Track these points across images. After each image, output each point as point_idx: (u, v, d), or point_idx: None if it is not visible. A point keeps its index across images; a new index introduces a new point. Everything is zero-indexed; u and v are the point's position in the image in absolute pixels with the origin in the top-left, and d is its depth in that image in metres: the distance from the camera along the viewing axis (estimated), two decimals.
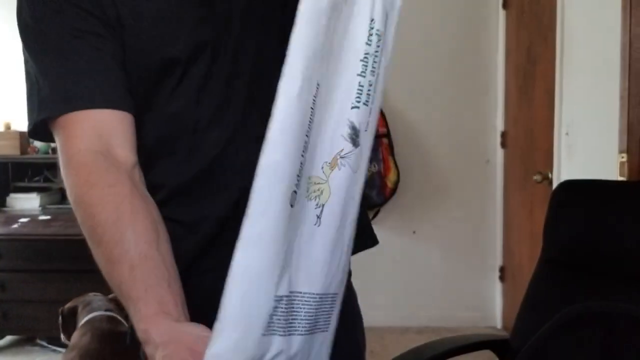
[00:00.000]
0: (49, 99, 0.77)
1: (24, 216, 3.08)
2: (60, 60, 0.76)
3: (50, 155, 3.31)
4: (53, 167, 3.31)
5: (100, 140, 0.75)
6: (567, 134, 2.45)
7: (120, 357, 1.87)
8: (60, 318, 2.06)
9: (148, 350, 0.65)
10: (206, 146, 0.76)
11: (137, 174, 0.78)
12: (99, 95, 0.76)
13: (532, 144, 2.95)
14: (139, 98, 0.80)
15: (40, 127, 0.80)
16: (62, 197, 3.44)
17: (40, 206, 3.26)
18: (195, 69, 0.79)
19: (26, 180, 3.36)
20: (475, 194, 3.50)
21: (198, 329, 0.65)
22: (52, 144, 3.29)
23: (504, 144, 3.40)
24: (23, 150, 3.32)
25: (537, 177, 2.66)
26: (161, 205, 0.81)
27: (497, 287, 3.51)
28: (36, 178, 3.36)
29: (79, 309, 2.04)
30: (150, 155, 0.82)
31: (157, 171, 0.83)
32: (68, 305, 2.08)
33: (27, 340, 3.14)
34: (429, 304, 3.51)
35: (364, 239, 0.97)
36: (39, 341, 3.11)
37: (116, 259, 0.70)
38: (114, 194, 0.72)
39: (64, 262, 2.87)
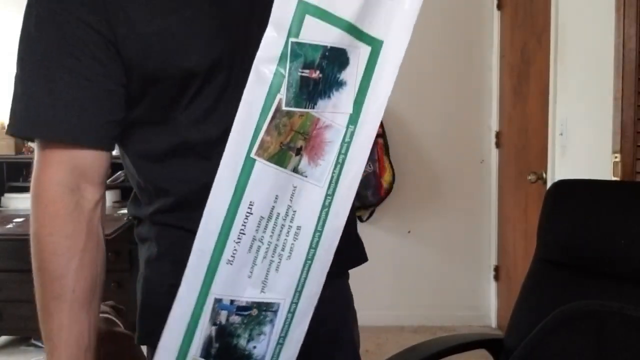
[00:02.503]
0: (39, 116, 0.76)
1: (19, 216, 3.06)
2: (52, 81, 0.75)
3: None
4: None
5: (72, 174, 0.77)
6: (561, 134, 2.45)
7: (117, 357, 1.85)
8: None
9: None
10: (217, 158, 0.76)
11: (99, 213, 0.81)
12: (81, 132, 0.76)
13: (526, 144, 2.95)
14: (154, 109, 0.81)
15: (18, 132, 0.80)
16: None
17: None
18: (212, 84, 0.80)
19: (21, 180, 3.34)
20: (470, 194, 3.50)
21: None
22: None
23: (498, 144, 3.41)
24: (18, 150, 3.31)
25: (532, 177, 2.66)
26: (165, 211, 0.85)
27: (492, 287, 3.51)
28: (31, 178, 3.32)
29: None
30: (161, 161, 0.84)
31: (166, 177, 0.84)
32: None
33: (22, 340, 3.13)
34: (424, 303, 3.51)
35: (356, 254, 1.01)
36: (34, 341, 3.10)
37: (51, 310, 0.76)
38: (67, 247, 0.76)
39: None
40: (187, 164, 0.83)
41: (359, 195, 3.16)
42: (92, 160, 0.79)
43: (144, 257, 0.91)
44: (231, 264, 0.71)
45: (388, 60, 0.76)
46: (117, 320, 1.99)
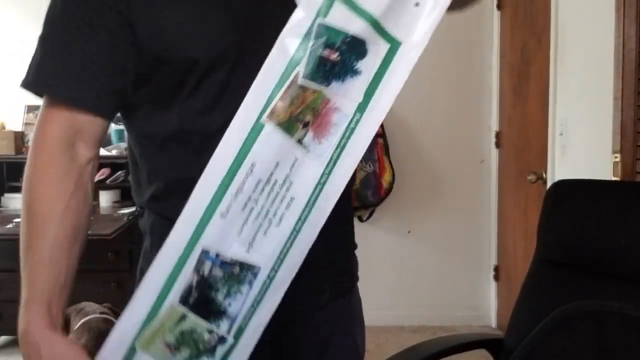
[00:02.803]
0: (49, 75, 0.82)
1: (19, 216, 3.06)
2: (66, 47, 0.81)
3: None
4: None
5: (70, 131, 0.82)
6: (561, 134, 2.45)
7: None
8: None
9: (23, 346, 0.75)
10: (213, 150, 0.78)
11: (89, 170, 0.85)
12: (84, 96, 0.82)
13: (526, 144, 2.95)
14: (159, 93, 0.86)
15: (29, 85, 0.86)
16: None
17: None
18: (216, 75, 0.83)
19: (21, 180, 3.31)
20: (470, 194, 3.50)
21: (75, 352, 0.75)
22: None
23: (498, 144, 3.41)
24: (17, 150, 3.31)
25: (532, 177, 2.66)
26: (158, 199, 0.90)
27: (492, 286, 3.51)
28: None
29: (72, 316, 2.02)
30: (159, 144, 0.88)
31: (162, 160, 0.89)
32: None
33: None
34: (424, 303, 3.51)
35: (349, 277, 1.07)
36: None
37: (33, 249, 0.80)
38: (56, 192, 0.81)
39: None
40: (184, 152, 0.86)
41: (359, 195, 3.16)
42: (90, 123, 0.84)
43: (142, 249, 0.96)
44: (224, 218, 0.75)
45: (403, 61, 0.80)
46: (115, 321, 1.99)
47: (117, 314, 1.97)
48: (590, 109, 2.21)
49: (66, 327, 2.00)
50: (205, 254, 0.75)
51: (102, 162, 3.26)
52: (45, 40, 0.83)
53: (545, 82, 2.57)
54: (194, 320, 0.76)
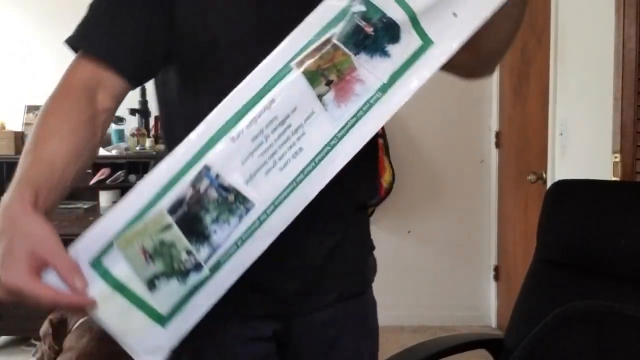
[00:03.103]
0: (87, 34, 0.89)
1: None
2: (110, 14, 0.89)
3: None
4: None
5: (93, 80, 0.86)
6: (561, 134, 2.45)
7: (119, 357, 1.85)
8: (50, 329, 2.01)
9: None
10: None
11: (103, 118, 0.87)
12: (116, 55, 0.88)
13: (526, 144, 2.95)
14: (185, 71, 0.93)
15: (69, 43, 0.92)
16: None
17: None
18: (235, 64, 0.86)
19: None
20: (470, 194, 3.50)
21: (48, 232, 0.70)
22: None
23: (498, 144, 3.41)
24: (18, 150, 3.31)
25: (531, 177, 2.66)
26: None
27: (492, 287, 3.51)
28: None
29: (68, 315, 2.02)
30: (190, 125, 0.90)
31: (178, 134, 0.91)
32: (51, 317, 2.03)
33: (22, 340, 3.13)
34: (424, 303, 3.51)
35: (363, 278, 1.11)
36: (33, 341, 3.08)
37: (34, 150, 0.79)
38: (68, 112, 0.83)
39: None
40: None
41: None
42: (112, 79, 0.88)
43: None
44: (234, 142, 0.77)
45: (430, 61, 0.85)
46: None
47: None
48: (590, 109, 2.21)
49: (63, 327, 2.00)
50: (206, 170, 0.76)
51: (102, 162, 3.26)
52: (90, 7, 0.91)
53: (545, 82, 2.57)
54: (177, 233, 0.75)
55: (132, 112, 3.34)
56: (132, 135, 3.37)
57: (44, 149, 0.78)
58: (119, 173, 3.26)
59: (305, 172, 0.79)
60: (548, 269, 1.49)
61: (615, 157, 1.90)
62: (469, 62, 0.99)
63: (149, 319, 0.75)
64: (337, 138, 0.81)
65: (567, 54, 2.41)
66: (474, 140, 3.47)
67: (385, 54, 0.82)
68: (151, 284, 0.74)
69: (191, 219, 0.75)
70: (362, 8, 0.81)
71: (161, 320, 0.76)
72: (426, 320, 3.46)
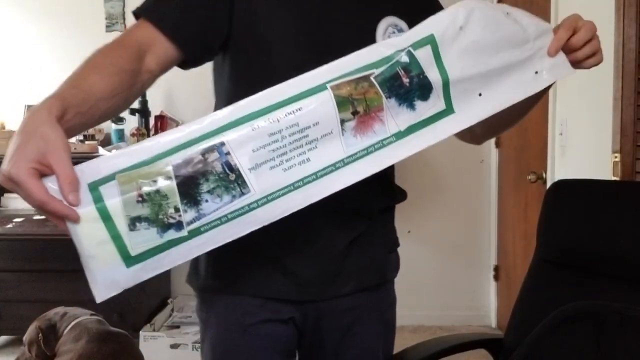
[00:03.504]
0: (151, 7, 0.98)
1: (19, 216, 3.06)
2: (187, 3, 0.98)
3: None
4: None
5: (146, 43, 0.94)
6: (560, 133, 2.45)
7: (120, 355, 1.85)
8: (40, 335, 1.96)
9: (22, 124, 0.76)
10: None
11: (145, 77, 0.94)
12: (173, 26, 0.96)
13: (526, 143, 2.94)
14: (239, 61, 1.03)
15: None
16: None
17: None
18: (288, 56, 0.99)
19: None
20: (470, 194, 3.50)
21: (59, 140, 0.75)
22: None
23: (498, 144, 3.41)
24: None
25: (531, 177, 2.66)
26: None
27: (492, 286, 3.51)
28: None
29: (57, 320, 1.99)
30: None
31: None
32: (38, 324, 1.99)
33: (21, 340, 3.10)
34: (424, 303, 3.51)
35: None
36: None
37: (74, 77, 0.85)
38: (116, 60, 0.89)
39: (59, 262, 2.84)
40: None
41: None
42: (165, 49, 0.96)
43: None
44: (253, 130, 0.84)
45: (448, 125, 0.93)
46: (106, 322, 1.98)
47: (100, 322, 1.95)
48: (590, 109, 2.20)
49: (53, 332, 1.97)
50: (220, 145, 0.82)
51: None
52: None
53: None
54: (173, 188, 0.80)
55: (132, 111, 3.34)
56: (132, 135, 3.37)
57: (84, 79, 0.84)
58: None
59: (304, 181, 0.86)
60: (548, 268, 1.49)
61: (615, 157, 1.90)
62: (475, 132, 1.09)
63: (118, 254, 0.80)
64: (343, 163, 0.88)
65: None
66: None
67: (412, 106, 0.91)
68: (132, 225, 0.80)
69: (190, 181, 0.81)
70: (407, 60, 0.90)
71: (128, 260, 0.81)
72: (426, 320, 3.46)
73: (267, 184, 0.84)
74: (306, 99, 0.85)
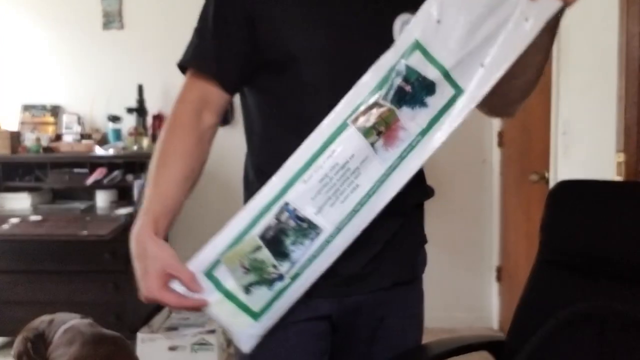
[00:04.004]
0: (194, 55, 1.12)
1: (15, 216, 3.05)
2: (216, 35, 1.10)
3: (41, 155, 3.29)
4: (44, 166, 3.28)
5: (201, 101, 1.09)
6: (564, 133, 2.44)
7: (115, 357, 1.83)
8: (29, 344, 1.95)
9: (133, 244, 0.99)
10: (305, 133, 1.02)
11: (210, 133, 1.11)
12: (220, 73, 1.09)
13: (528, 143, 2.94)
14: (267, 80, 1.11)
15: (181, 67, 1.14)
16: (53, 197, 3.41)
17: (31, 206, 3.23)
18: (310, 69, 1.07)
19: (17, 179, 3.31)
20: (472, 194, 3.50)
21: (170, 253, 0.99)
22: (41, 145, 3.29)
23: (500, 144, 3.40)
24: (13, 150, 3.30)
25: (534, 177, 2.65)
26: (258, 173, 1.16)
27: (494, 288, 3.50)
28: (27, 178, 3.31)
29: (44, 327, 1.97)
30: (265, 119, 1.15)
31: (262, 138, 1.17)
32: (25, 334, 1.98)
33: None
34: (425, 304, 3.48)
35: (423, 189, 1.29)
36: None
37: (154, 180, 1.04)
38: (182, 139, 1.07)
39: (55, 263, 2.85)
40: (283, 130, 1.12)
41: None
42: (217, 95, 1.11)
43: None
44: (305, 184, 0.99)
45: (463, 104, 1.01)
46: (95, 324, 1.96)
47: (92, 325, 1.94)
48: (593, 108, 2.19)
49: (41, 340, 1.95)
50: (286, 205, 0.99)
51: (99, 162, 3.25)
52: (196, 32, 1.12)
53: (548, 81, 2.55)
54: (266, 253, 0.99)
55: (130, 111, 3.32)
56: (130, 134, 3.35)
57: (160, 181, 1.04)
58: (115, 173, 3.24)
59: (361, 203, 1.01)
60: (551, 270, 1.48)
61: (619, 157, 1.89)
62: (496, 104, 1.15)
63: (247, 316, 1.01)
64: (385, 175, 1.01)
65: (570, 52, 2.40)
66: (476, 140, 3.46)
67: (424, 104, 1.01)
68: (247, 290, 1.00)
69: (276, 242, 0.99)
70: (403, 71, 1.00)
71: (255, 316, 1.02)
72: (427, 321, 3.39)
73: (334, 218, 1.00)
74: (336, 141, 0.99)
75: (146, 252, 0.97)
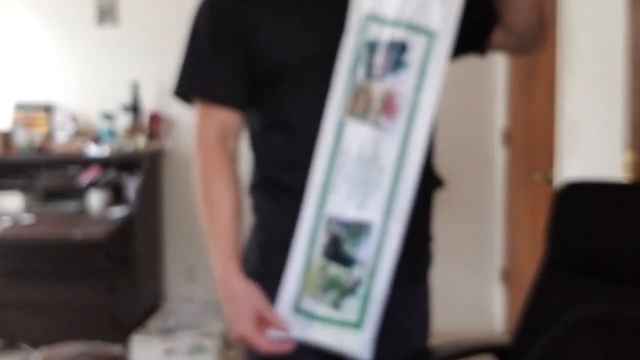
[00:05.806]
0: (199, 84, 1.15)
1: (7, 215, 3.07)
2: (217, 58, 1.12)
3: (34, 154, 3.28)
4: (36, 166, 3.27)
5: (222, 131, 1.14)
6: (569, 131, 2.42)
7: None
8: None
9: (221, 291, 1.10)
10: (302, 138, 1.10)
11: (235, 160, 1.17)
12: (229, 97, 1.13)
13: (534, 142, 2.92)
14: (264, 92, 1.14)
15: (181, 94, 1.18)
16: (46, 197, 3.37)
17: (24, 206, 3.22)
18: (302, 78, 1.10)
19: (10, 178, 3.28)
20: (477, 193, 3.48)
21: (255, 291, 1.09)
22: (34, 145, 3.28)
23: (505, 142, 3.38)
24: (6, 150, 3.29)
25: (539, 176, 2.64)
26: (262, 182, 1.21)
27: (499, 290, 3.48)
28: (20, 177, 3.29)
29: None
30: (262, 132, 1.18)
31: (262, 149, 1.20)
32: None
33: (10, 344, 3.09)
34: None
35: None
36: (22, 345, 3.06)
37: (215, 222, 1.12)
38: (223, 180, 1.13)
39: (47, 264, 2.86)
40: (282, 138, 1.15)
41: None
42: (233, 119, 1.15)
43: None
44: (335, 192, 1.04)
45: (440, 46, 1.04)
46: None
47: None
48: (600, 105, 2.18)
49: None
50: (329, 218, 1.05)
51: (93, 162, 3.25)
52: (190, 55, 1.15)
53: (553, 78, 2.54)
54: (334, 267, 1.05)
55: (125, 109, 3.30)
56: (125, 133, 3.33)
57: (223, 221, 1.12)
58: (109, 172, 3.22)
59: (397, 180, 1.05)
60: (557, 272, 1.48)
61: (628, 154, 1.86)
62: (508, 41, 1.16)
63: (349, 329, 1.06)
64: (403, 144, 1.05)
65: (575, 48, 2.38)
66: (480, 139, 3.45)
67: (403, 64, 1.03)
68: (336, 306, 1.06)
69: (338, 254, 1.05)
70: (369, 46, 1.04)
71: (357, 326, 1.07)
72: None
73: (376, 205, 1.05)
74: (343, 140, 1.04)
75: (234, 295, 1.07)
